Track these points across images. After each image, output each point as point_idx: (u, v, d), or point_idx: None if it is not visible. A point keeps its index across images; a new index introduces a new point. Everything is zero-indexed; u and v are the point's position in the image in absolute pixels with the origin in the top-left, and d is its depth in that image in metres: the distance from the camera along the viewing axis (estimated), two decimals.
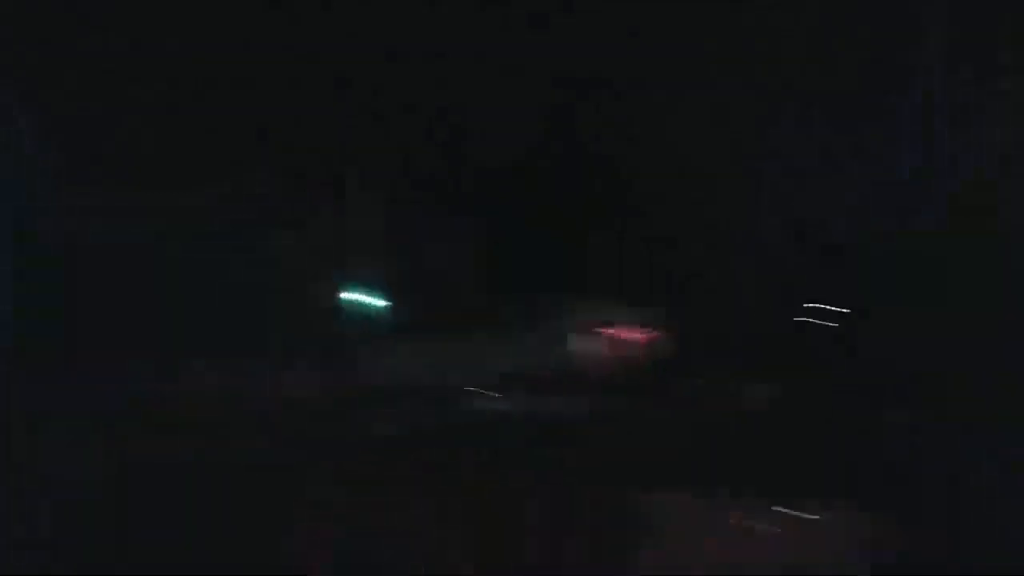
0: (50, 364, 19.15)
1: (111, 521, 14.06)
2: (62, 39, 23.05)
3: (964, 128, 22.48)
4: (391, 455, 16.69)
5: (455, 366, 24.55)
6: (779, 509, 7.61)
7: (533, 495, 13.77)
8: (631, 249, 25.48)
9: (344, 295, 22.04)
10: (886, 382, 18.30)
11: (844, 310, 23.37)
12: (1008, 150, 21.84)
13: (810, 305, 23.46)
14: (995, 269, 21.37)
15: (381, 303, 22.42)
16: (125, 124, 23.99)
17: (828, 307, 23.42)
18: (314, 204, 26.16)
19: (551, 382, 23.73)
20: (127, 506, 14.53)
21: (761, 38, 24.27)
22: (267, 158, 26.56)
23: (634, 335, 25.91)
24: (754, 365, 21.42)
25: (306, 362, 22.59)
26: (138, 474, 16.71)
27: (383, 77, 27.14)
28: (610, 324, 25.94)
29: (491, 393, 22.98)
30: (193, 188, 25.35)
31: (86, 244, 23.24)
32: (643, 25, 24.75)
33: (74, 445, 17.95)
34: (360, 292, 22.28)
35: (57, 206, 23.04)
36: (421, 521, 12.81)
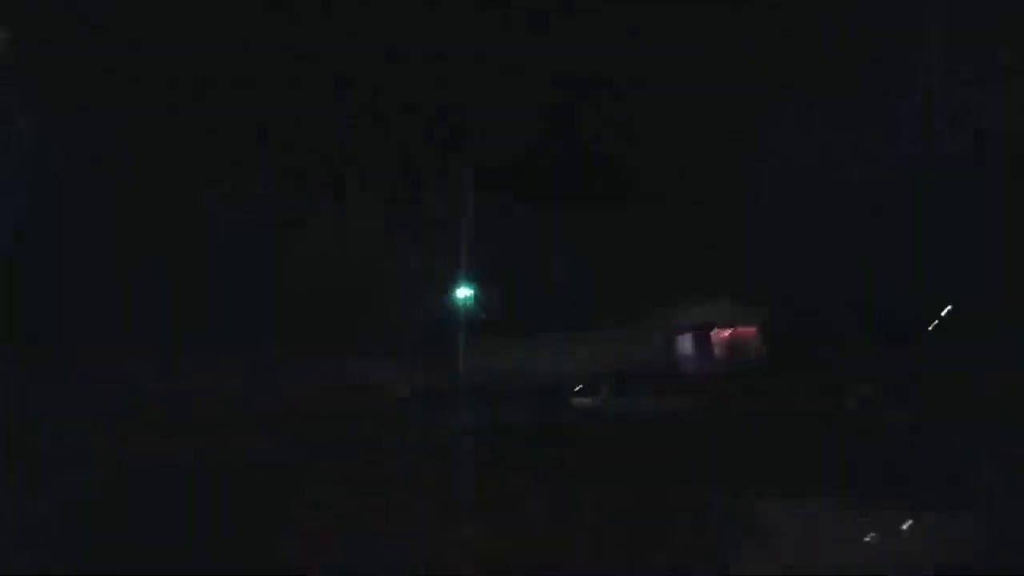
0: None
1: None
2: (65, 39, 22.92)
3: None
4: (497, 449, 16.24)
5: (558, 365, 24.06)
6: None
7: (620, 501, 13.07)
8: (731, 248, 24.69)
9: (453, 294, 21.98)
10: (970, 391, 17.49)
11: (936, 318, 22.62)
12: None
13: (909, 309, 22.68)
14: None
15: (484, 302, 22.27)
16: (176, 124, 23.89)
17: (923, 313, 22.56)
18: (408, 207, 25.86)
19: (653, 382, 22.88)
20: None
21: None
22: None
23: (739, 335, 25.09)
24: (856, 367, 20.35)
25: (415, 359, 22.64)
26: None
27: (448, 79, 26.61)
28: (714, 324, 25.24)
29: (592, 393, 22.47)
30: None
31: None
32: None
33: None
34: (466, 291, 22.21)
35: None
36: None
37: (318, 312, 23.99)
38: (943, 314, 22.35)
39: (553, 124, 25.46)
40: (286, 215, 24.78)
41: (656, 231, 25.17)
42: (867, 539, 7.38)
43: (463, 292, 22.58)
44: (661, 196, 25.08)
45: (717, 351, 25.16)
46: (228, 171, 24.56)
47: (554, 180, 25.49)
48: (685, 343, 25.81)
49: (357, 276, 24.79)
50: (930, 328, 22.50)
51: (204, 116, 24.22)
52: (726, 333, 25.44)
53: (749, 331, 24.74)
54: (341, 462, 16.00)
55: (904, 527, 7.13)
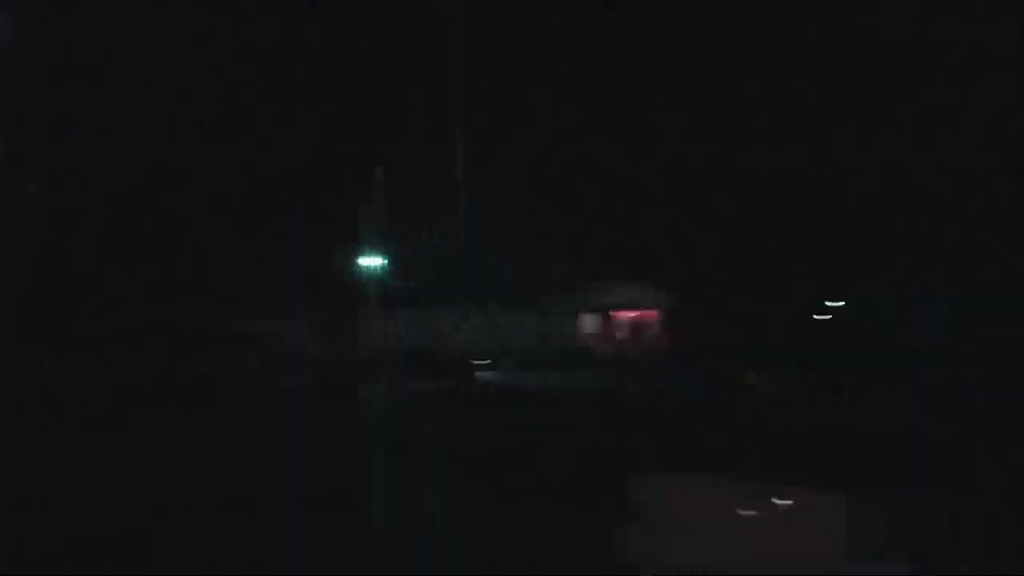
0: None
1: None
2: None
3: None
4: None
5: (466, 339, 24.61)
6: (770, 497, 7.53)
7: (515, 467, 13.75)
8: (640, 233, 25.51)
9: (357, 263, 21.89)
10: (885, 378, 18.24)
11: (838, 304, 23.60)
12: None
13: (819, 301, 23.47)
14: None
15: (391, 274, 22.37)
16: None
17: (829, 302, 23.51)
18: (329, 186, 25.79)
19: (557, 360, 23.73)
20: None
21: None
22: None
23: (642, 318, 26.20)
24: (763, 355, 21.27)
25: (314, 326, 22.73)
26: None
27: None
28: (619, 307, 26.29)
29: (496, 368, 23.12)
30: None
31: None
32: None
33: None
34: (371, 261, 22.14)
35: None
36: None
37: (235, 278, 24.16)
38: (836, 304, 23.29)
39: (470, 103, 25.76)
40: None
41: (568, 214, 25.93)
42: (743, 514, 7.53)
43: (374, 261, 22.50)
44: (579, 181, 25.79)
45: (620, 333, 26.12)
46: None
47: (473, 158, 25.91)
48: (590, 324, 26.76)
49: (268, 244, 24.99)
50: (823, 317, 23.49)
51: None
52: (630, 315, 26.36)
53: (652, 314, 25.69)
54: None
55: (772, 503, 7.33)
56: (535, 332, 25.60)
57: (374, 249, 22.01)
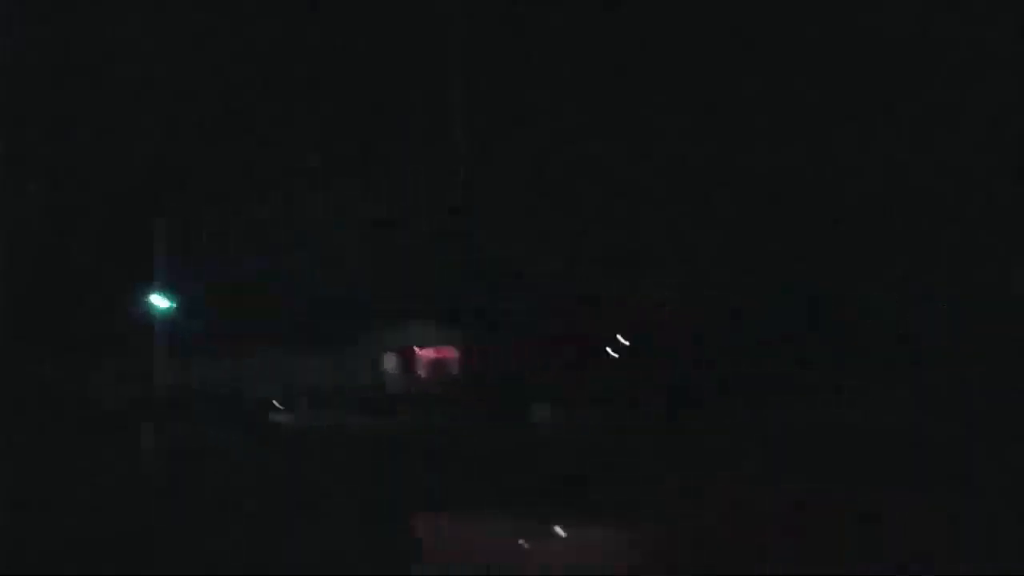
0: None
1: None
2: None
3: None
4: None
5: (258, 378, 24.86)
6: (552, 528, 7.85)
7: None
8: (433, 271, 26.25)
9: (152, 300, 21.62)
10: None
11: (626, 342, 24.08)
12: None
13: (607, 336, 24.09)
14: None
15: (185, 310, 22.20)
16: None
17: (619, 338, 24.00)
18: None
19: (353, 399, 24.44)
20: None
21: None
22: None
23: (439, 355, 26.93)
24: (544, 389, 22.18)
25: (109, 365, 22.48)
26: None
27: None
28: (416, 346, 27.09)
29: (290, 408, 23.52)
30: None
31: None
32: None
33: None
34: (165, 299, 21.84)
35: None
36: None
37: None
38: (623, 339, 23.65)
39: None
40: None
41: (362, 255, 26.16)
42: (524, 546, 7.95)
43: (162, 302, 22.29)
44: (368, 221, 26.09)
45: (418, 371, 26.47)
46: None
47: (256, 196, 25.92)
48: (388, 363, 27.06)
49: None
50: (612, 351, 23.87)
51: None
52: (427, 354, 26.69)
53: (449, 352, 26.00)
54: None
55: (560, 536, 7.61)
56: (333, 372, 25.58)
57: (166, 291, 21.89)
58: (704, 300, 22.74)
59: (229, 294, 24.52)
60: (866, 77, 23.34)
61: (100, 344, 22.99)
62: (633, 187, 24.70)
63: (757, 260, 23.43)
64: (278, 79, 25.10)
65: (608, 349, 23.81)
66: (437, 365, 26.20)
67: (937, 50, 22.04)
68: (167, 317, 21.77)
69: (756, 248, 23.83)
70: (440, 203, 25.74)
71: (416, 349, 26.08)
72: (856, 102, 23.69)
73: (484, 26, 25.16)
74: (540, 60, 25.34)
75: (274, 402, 23.26)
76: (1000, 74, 21.32)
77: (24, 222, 23.03)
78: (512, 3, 25.32)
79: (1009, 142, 21.31)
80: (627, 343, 23.39)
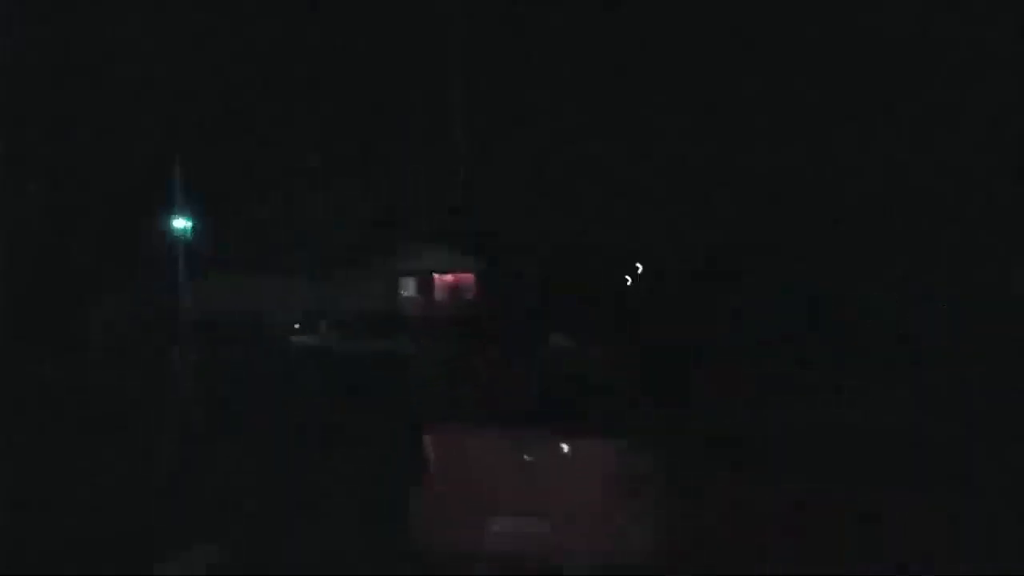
0: None
1: None
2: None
3: None
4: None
5: (282, 304, 24.53)
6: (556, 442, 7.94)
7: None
8: (452, 196, 26.20)
9: (175, 225, 21.29)
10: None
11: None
12: None
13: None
14: None
15: (205, 236, 21.90)
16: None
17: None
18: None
19: (373, 323, 24.28)
20: None
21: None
22: None
23: (457, 280, 26.73)
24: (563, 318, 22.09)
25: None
26: None
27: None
28: (434, 270, 26.91)
29: (311, 332, 23.35)
30: None
31: None
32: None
33: None
34: (185, 223, 21.42)
35: None
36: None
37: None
38: (637, 271, 23.87)
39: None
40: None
41: (383, 181, 26.06)
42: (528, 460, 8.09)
43: (181, 223, 21.71)
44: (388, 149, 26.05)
45: (437, 295, 26.16)
46: None
47: (286, 125, 25.81)
48: (407, 287, 26.72)
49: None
50: (627, 283, 24.03)
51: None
52: (446, 279, 26.39)
53: (467, 277, 25.80)
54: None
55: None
56: (354, 295, 25.28)
57: (186, 214, 21.34)
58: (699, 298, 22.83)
59: (251, 220, 24.53)
60: (867, 77, 23.35)
61: (124, 269, 22.98)
62: (633, 186, 24.81)
63: (757, 258, 23.47)
64: (278, 79, 25.12)
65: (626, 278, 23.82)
66: (455, 290, 25.93)
67: (937, 50, 22.05)
68: (190, 242, 21.43)
69: (756, 247, 23.87)
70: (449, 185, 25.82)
71: (435, 274, 25.86)
72: (857, 103, 23.71)
73: (484, 26, 25.19)
74: (540, 60, 25.41)
75: (295, 325, 23.02)
76: (1000, 74, 21.32)
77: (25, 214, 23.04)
78: (512, 3, 25.38)
79: (1009, 142, 21.31)
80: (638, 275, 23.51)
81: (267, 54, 24.92)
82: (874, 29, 23.00)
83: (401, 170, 25.34)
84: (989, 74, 21.77)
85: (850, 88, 23.45)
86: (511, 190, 25.29)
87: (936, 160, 22.25)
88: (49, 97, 23.83)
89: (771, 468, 8.61)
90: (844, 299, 22.61)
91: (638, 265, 24.49)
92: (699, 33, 24.30)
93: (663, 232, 24.12)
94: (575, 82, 25.18)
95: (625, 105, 24.96)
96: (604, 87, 25.19)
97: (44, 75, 23.65)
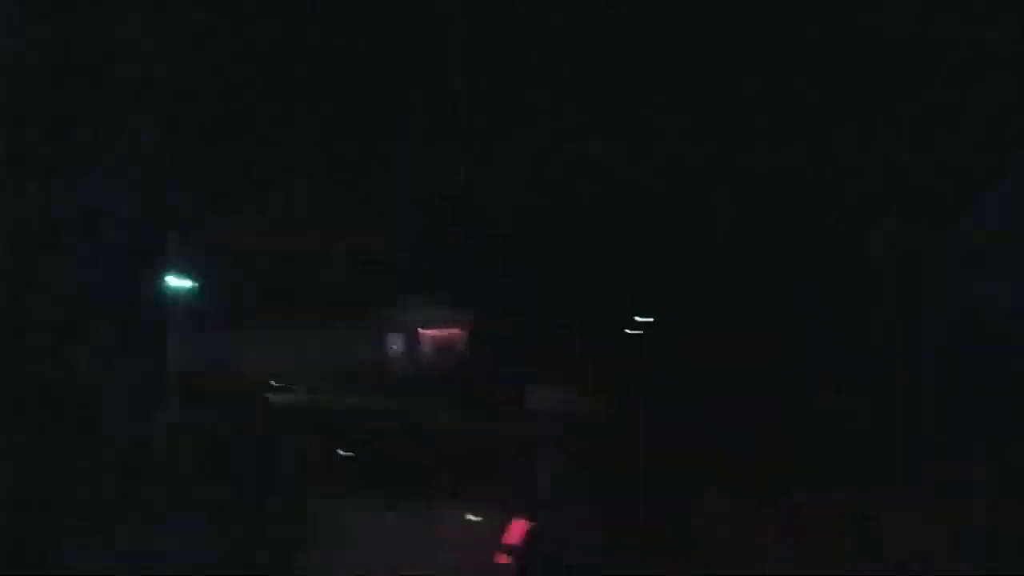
0: None
1: None
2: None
3: None
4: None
5: (265, 357, 24.53)
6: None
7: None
8: (439, 251, 26.35)
9: (163, 281, 21.20)
10: None
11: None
12: None
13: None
14: None
15: (193, 289, 21.81)
16: None
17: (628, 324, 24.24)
18: None
19: (357, 380, 24.30)
20: None
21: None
22: None
23: (444, 336, 26.85)
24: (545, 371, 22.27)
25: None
26: None
27: None
28: (422, 325, 27.00)
29: (289, 390, 23.31)
30: None
31: None
32: None
33: None
34: (176, 278, 21.38)
35: None
36: None
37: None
38: (639, 319, 23.78)
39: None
40: None
41: (370, 233, 25.98)
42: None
43: (182, 283, 21.61)
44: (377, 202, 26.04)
45: (425, 351, 26.13)
46: None
47: (267, 174, 25.65)
48: (394, 343, 26.66)
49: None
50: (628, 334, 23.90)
51: None
52: (435, 334, 26.35)
53: (456, 332, 25.77)
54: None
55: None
56: (340, 352, 25.06)
57: (182, 270, 21.33)
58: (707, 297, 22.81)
59: (235, 274, 24.28)
60: (864, 80, 23.34)
61: (107, 328, 22.71)
62: (633, 185, 24.74)
63: (757, 260, 23.47)
64: (278, 79, 25.10)
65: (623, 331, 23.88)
66: (441, 345, 25.95)
67: (937, 50, 22.05)
68: (178, 299, 21.31)
69: (755, 248, 23.85)
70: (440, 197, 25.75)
71: (424, 329, 25.84)
72: (858, 105, 23.70)
73: (484, 26, 25.18)
74: (540, 60, 25.36)
75: (272, 383, 22.88)
76: (1000, 74, 21.31)
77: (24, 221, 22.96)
78: (512, 3, 25.35)
79: (1009, 143, 21.29)
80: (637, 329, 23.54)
81: (268, 54, 24.93)
82: (874, 29, 23.01)
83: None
84: (989, 74, 21.77)
85: (853, 91, 23.46)
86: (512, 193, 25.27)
87: (936, 160, 22.26)
88: (49, 97, 23.80)
89: None
90: (845, 299, 22.70)
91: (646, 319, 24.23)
92: (699, 33, 24.28)
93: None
94: (574, 82, 25.18)
95: (625, 105, 24.93)
96: (603, 87, 25.16)
97: (44, 75, 23.65)
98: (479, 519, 8.55)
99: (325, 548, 10.67)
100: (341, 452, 17.00)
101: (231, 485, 14.22)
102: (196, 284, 21.86)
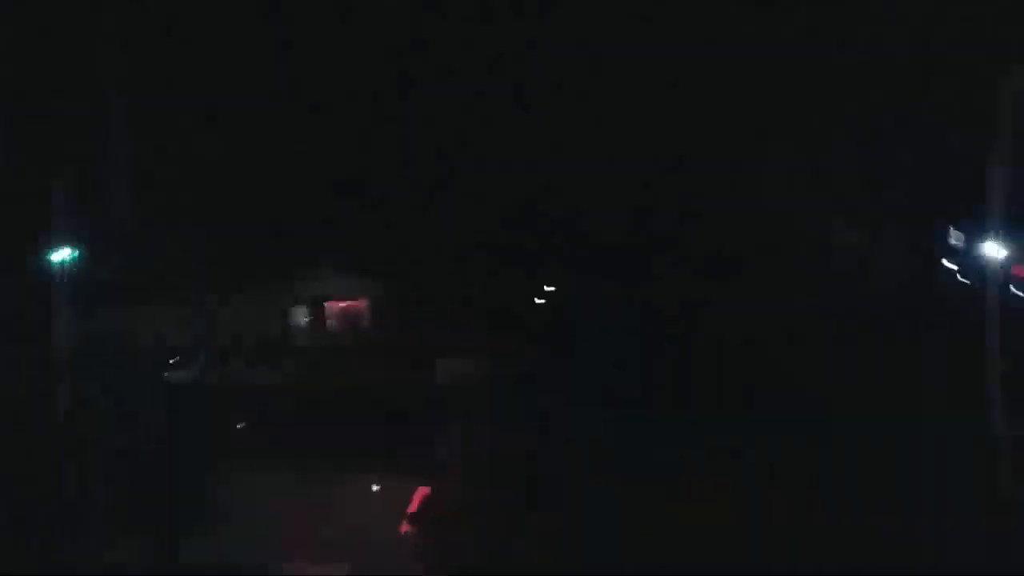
0: None
1: None
2: None
3: None
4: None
5: (163, 336, 23.83)
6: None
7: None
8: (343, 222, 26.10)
9: (52, 254, 20.14)
10: None
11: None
12: None
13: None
14: None
15: (88, 266, 20.79)
16: None
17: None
18: None
19: (258, 353, 24.10)
20: None
21: None
22: None
23: (349, 307, 26.58)
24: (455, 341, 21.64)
25: None
26: None
27: None
28: (328, 295, 26.71)
29: (188, 366, 22.85)
30: None
31: None
32: None
33: None
34: (66, 252, 20.35)
35: None
36: None
37: None
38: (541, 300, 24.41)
39: None
40: None
41: (273, 204, 25.53)
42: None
43: (61, 254, 20.52)
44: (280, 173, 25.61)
45: (329, 323, 25.71)
46: None
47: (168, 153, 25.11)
48: (298, 315, 26.20)
49: None
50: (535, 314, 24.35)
51: None
52: (339, 306, 25.93)
53: (360, 305, 25.39)
54: None
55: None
56: (239, 325, 24.50)
57: (65, 241, 19.80)
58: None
59: (133, 243, 23.23)
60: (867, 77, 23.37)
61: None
62: (633, 184, 24.73)
63: (757, 261, 23.53)
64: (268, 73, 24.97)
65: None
66: (347, 317, 25.44)
67: (937, 50, 22.07)
68: (66, 269, 19.91)
69: (753, 249, 23.91)
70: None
71: (327, 301, 25.30)
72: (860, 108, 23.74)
73: (483, 25, 25.14)
74: (540, 59, 25.32)
75: (169, 360, 22.64)
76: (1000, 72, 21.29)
77: None
78: (512, 3, 25.29)
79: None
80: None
81: (267, 54, 24.80)
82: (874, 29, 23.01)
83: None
84: (989, 74, 21.75)
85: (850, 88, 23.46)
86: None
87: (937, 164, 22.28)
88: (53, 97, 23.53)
89: None
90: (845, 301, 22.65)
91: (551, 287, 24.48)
92: (699, 33, 24.28)
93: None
94: (574, 82, 25.18)
95: (625, 105, 24.92)
96: (604, 87, 25.15)
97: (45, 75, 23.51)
98: (381, 488, 8.85)
99: (225, 524, 10.74)
100: (238, 426, 17.54)
101: (127, 466, 14.23)
102: (85, 256, 20.27)
